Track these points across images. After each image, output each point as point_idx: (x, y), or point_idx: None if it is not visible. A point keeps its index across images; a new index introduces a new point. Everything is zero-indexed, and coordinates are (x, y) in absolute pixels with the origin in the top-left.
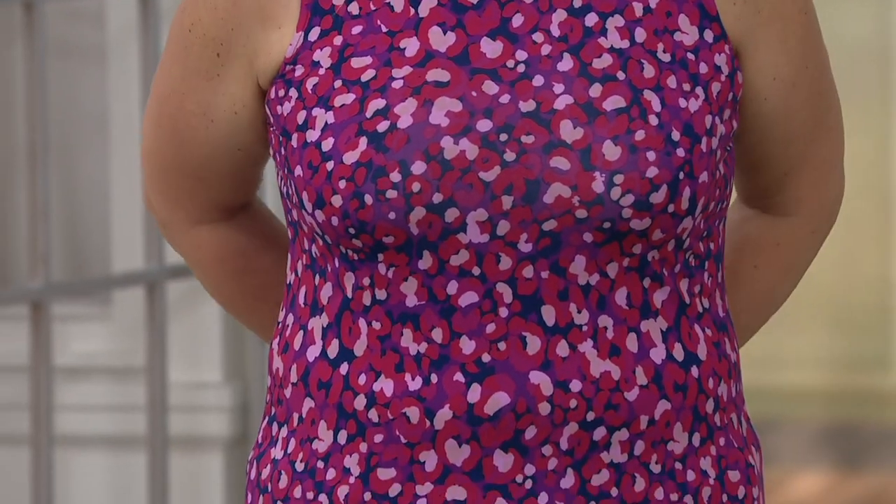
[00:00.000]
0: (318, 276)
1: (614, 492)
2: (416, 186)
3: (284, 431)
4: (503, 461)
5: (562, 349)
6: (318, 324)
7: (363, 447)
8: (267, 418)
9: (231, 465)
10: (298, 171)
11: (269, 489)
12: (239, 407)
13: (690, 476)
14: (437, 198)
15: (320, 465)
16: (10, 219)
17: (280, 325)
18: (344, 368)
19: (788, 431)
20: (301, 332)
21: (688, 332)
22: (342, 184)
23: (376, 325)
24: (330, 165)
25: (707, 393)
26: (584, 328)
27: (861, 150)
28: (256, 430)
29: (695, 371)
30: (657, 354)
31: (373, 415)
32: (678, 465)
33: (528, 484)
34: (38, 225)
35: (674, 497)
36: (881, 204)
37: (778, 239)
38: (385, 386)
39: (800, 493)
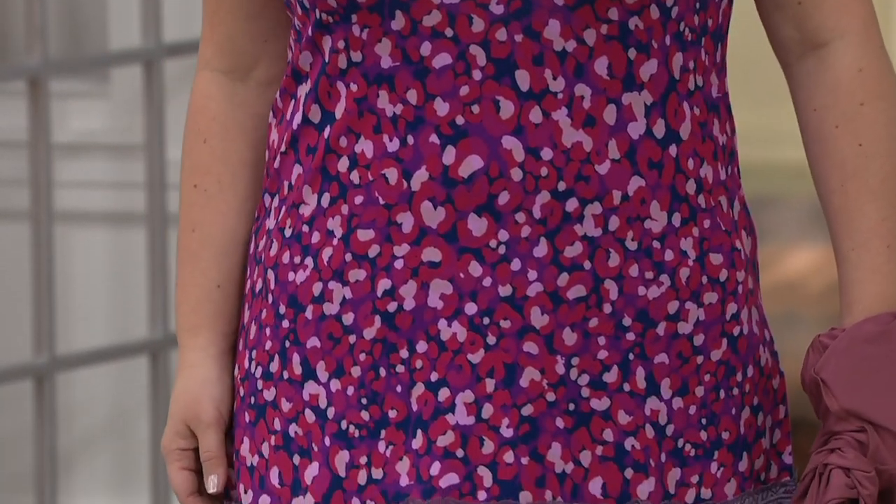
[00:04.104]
0: (297, 45)
1: (587, 265)
2: None
3: (276, 201)
4: (477, 225)
5: (535, 115)
6: (303, 91)
7: (344, 209)
8: (262, 190)
9: None
10: None
11: (262, 259)
12: None
13: (668, 255)
14: None
15: (305, 229)
16: None
17: (276, 100)
18: (327, 132)
19: (785, 208)
20: (291, 102)
21: (674, 109)
22: None
23: (353, 87)
24: None
25: (686, 173)
26: (560, 96)
27: None
28: None
29: (673, 150)
30: (635, 129)
31: (354, 176)
32: (656, 244)
33: (502, 249)
34: (35, 0)
35: (649, 275)
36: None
37: (838, 75)
38: (365, 147)
39: (796, 268)
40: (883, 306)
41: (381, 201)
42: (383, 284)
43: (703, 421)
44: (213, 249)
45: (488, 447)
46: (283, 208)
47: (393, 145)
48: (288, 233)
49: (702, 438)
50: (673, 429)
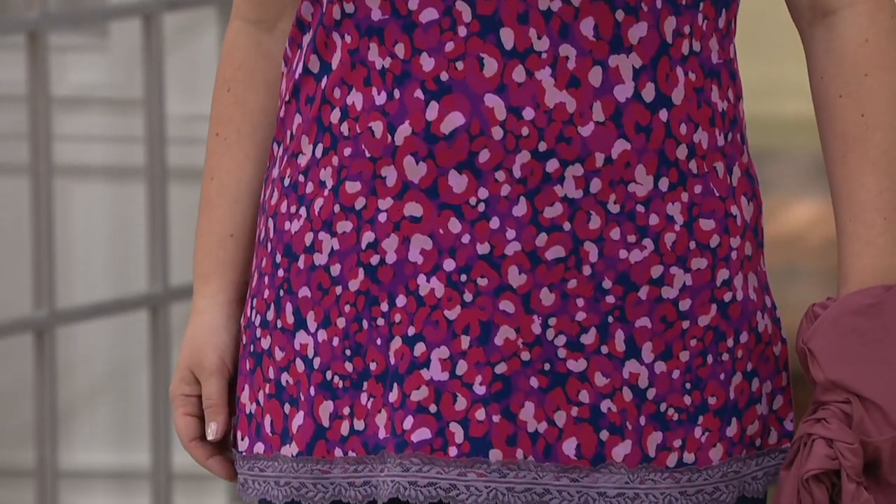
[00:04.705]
0: None
1: (567, 226)
2: None
3: (281, 150)
4: (457, 182)
5: (518, 74)
6: (306, 41)
7: (335, 160)
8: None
9: None
10: None
11: (266, 208)
12: None
13: (653, 220)
14: None
15: (301, 179)
16: None
17: (286, 50)
18: (324, 82)
19: (785, 161)
20: (299, 51)
21: (666, 73)
22: None
23: (347, 39)
24: None
25: (677, 138)
26: (544, 55)
27: None
28: None
29: (663, 114)
30: (622, 92)
31: (344, 128)
32: (640, 208)
33: (482, 207)
34: None
35: (631, 239)
36: None
37: (844, 44)
38: (356, 99)
39: (796, 221)
40: (876, 279)
41: (367, 154)
42: (367, 237)
43: (688, 385)
44: (228, 198)
45: (461, 404)
46: (286, 157)
47: (380, 98)
48: (287, 182)
49: (685, 403)
50: (654, 392)
